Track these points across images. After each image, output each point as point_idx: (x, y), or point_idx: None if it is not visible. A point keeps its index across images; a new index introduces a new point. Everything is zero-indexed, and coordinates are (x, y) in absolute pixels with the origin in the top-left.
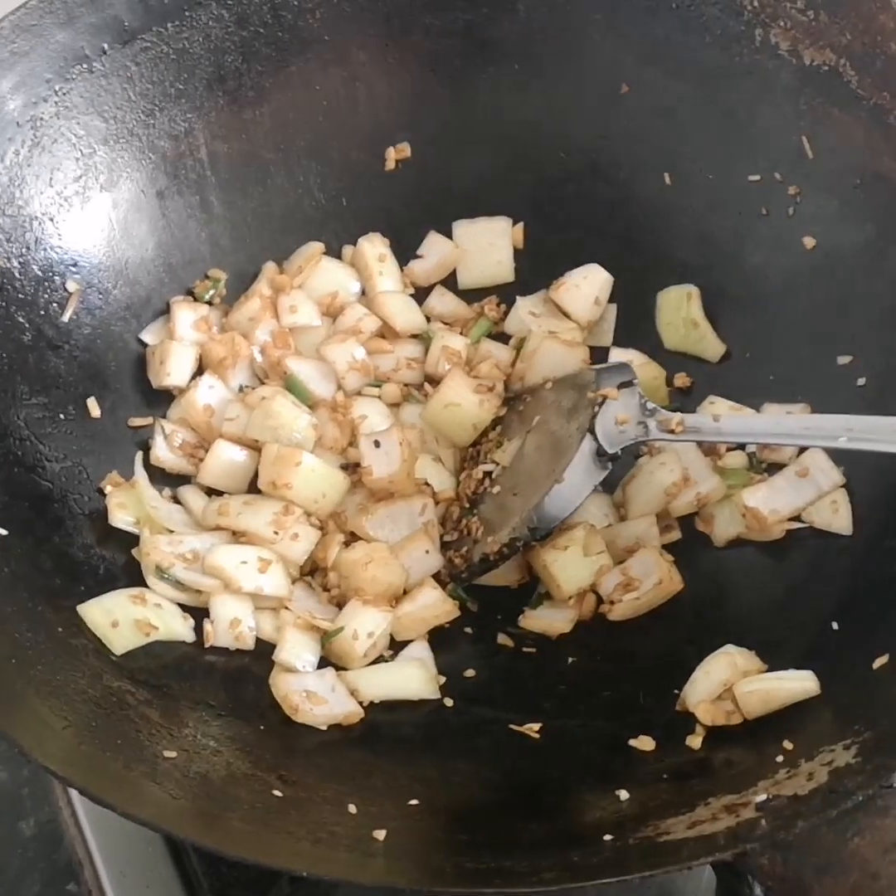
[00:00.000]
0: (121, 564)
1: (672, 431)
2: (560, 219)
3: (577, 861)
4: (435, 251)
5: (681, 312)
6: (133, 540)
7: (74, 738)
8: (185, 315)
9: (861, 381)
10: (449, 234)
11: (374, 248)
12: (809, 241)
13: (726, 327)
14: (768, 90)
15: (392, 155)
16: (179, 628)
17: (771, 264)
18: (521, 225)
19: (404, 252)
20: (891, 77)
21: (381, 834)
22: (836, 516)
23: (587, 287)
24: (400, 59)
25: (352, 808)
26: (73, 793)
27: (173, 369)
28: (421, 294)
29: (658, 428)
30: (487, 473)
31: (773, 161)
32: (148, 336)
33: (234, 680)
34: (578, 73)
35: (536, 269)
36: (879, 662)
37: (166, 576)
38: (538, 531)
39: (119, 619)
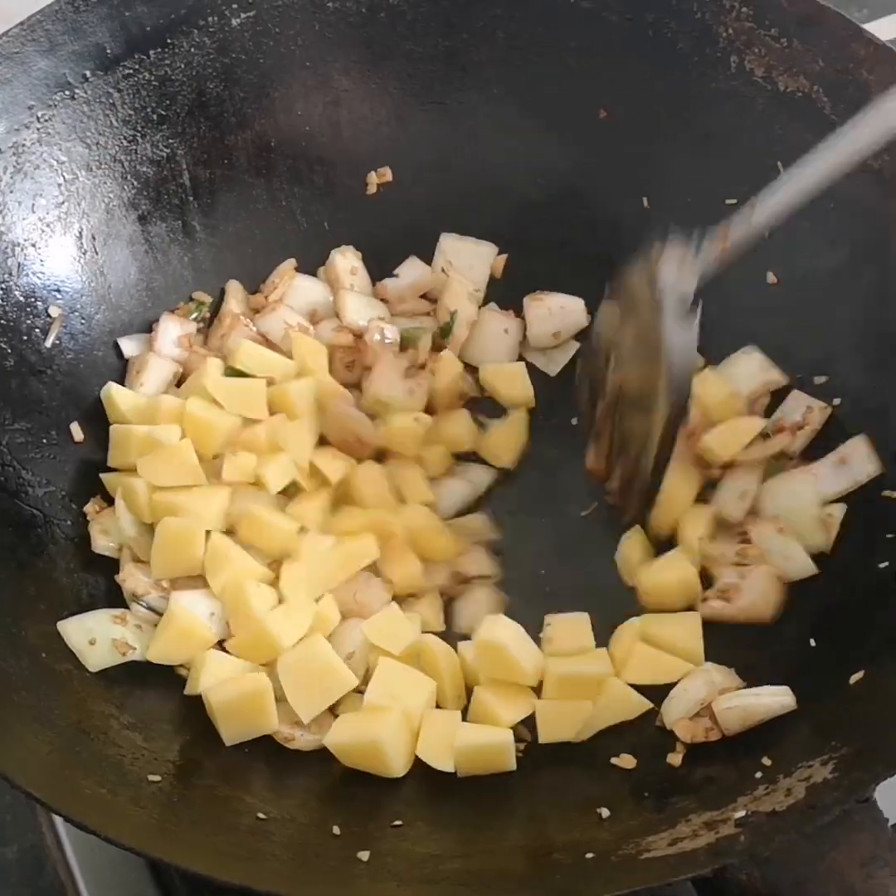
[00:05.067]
0: (104, 589)
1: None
2: (539, 243)
3: (560, 880)
4: (411, 273)
5: None
6: (116, 565)
7: (58, 764)
8: (171, 328)
9: (836, 402)
10: (429, 260)
11: (346, 260)
12: (784, 266)
13: (704, 347)
14: (744, 116)
15: (374, 179)
16: None
17: (748, 286)
18: (504, 256)
19: (384, 277)
20: (863, 103)
21: (365, 855)
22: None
23: (556, 318)
24: (382, 85)
25: (336, 830)
26: (57, 817)
27: (148, 381)
28: None
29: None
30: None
31: (750, 185)
32: (127, 346)
33: None
34: (557, 99)
35: (512, 293)
36: (855, 678)
37: (141, 603)
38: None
39: (97, 638)
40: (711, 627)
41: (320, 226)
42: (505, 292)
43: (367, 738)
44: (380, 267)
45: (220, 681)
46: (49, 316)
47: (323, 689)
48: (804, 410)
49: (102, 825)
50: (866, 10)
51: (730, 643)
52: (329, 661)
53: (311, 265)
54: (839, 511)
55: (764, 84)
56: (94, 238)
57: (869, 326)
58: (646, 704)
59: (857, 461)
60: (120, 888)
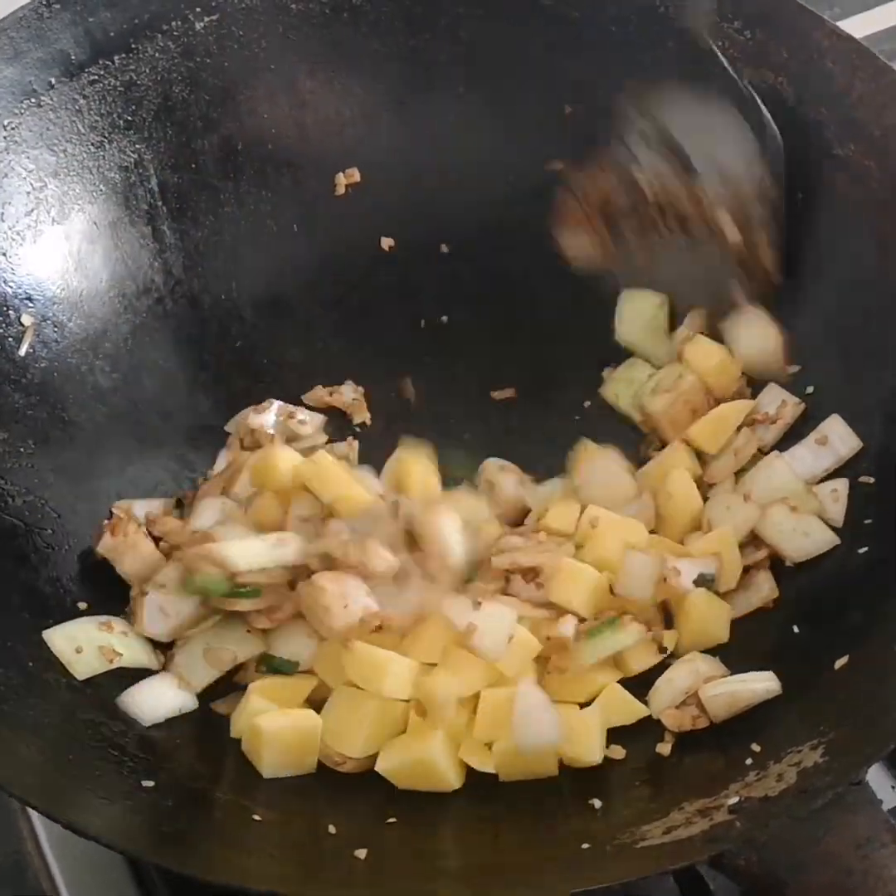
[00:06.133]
0: (88, 597)
1: None
2: (509, 242)
3: (557, 870)
4: None
5: (646, 315)
6: (100, 572)
7: (53, 772)
8: None
9: (809, 390)
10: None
11: None
12: None
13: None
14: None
15: (342, 180)
16: (144, 657)
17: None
18: None
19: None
20: (826, 93)
21: (362, 853)
22: (835, 505)
23: None
24: (347, 86)
25: (331, 829)
26: (38, 824)
27: None
28: None
29: None
30: None
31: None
32: None
33: (205, 708)
34: (522, 97)
35: (482, 292)
36: (840, 663)
37: None
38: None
39: (83, 645)
40: None
41: (289, 227)
42: (474, 290)
43: (418, 758)
44: (349, 266)
45: (267, 710)
46: (22, 324)
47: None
48: (779, 404)
49: (102, 831)
50: (837, 9)
51: None
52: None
53: (279, 266)
54: (842, 485)
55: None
56: (64, 245)
57: (841, 315)
58: (643, 710)
59: (836, 438)
60: (102, 894)
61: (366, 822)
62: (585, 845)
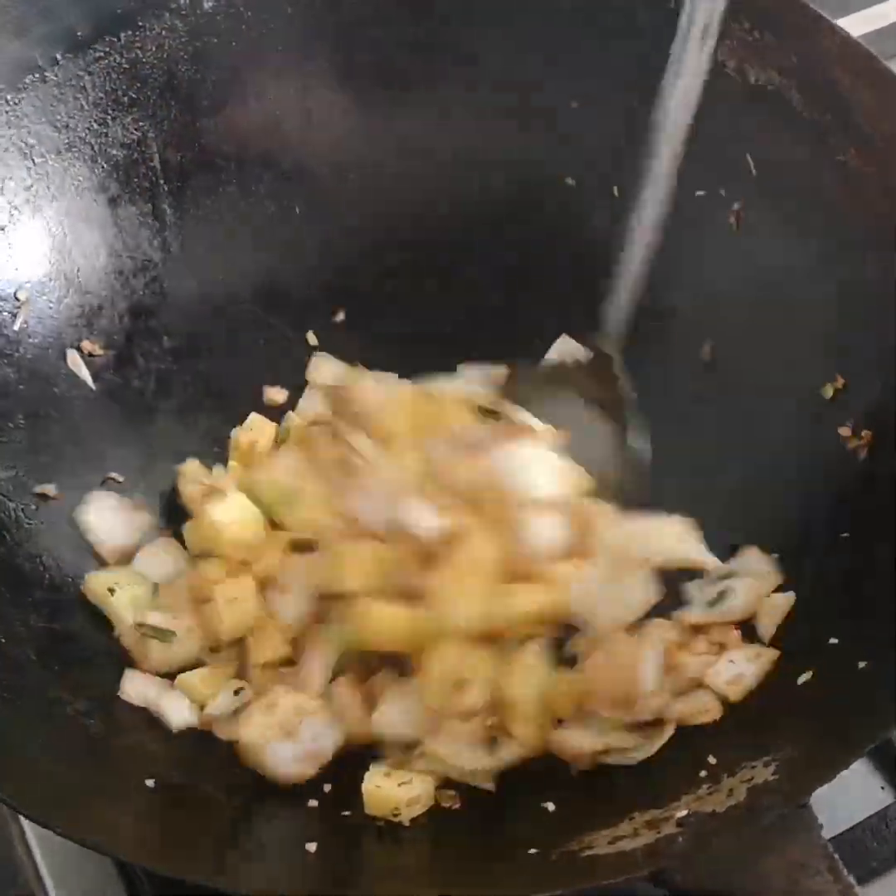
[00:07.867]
0: (67, 572)
1: None
2: (511, 233)
3: (501, 875)
4: None
5: None
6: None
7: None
8: None
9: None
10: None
11: None
12: (750, 262)
13: (676, 342)
14: (715, 106)
15: (345, 165)
16: None
17: (717, 279)
18: None
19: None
20: (832, 99)
21: (312, 847)
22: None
23: None
24: (351, 71)
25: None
26: (27, 827)
27: None
28: None
29: None
30: None
31: (719, 177)
32: None
33: None
34: (527, 89)
35: (484, 280)
36: (804, 678)
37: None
38: None
39: None
40: None
41: (291, 210)
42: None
43: None
44: (349, 251)
45: None
46: (17, 299)
47: None
48: None
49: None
50: (825, 12)
51: None
52: None
53: (279, 249)
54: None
55: (735, 76)
56: (63, 221)
57: (838, 325)
58: None
59: None
60: None
61: (321, 813)
62: (533, 850)
